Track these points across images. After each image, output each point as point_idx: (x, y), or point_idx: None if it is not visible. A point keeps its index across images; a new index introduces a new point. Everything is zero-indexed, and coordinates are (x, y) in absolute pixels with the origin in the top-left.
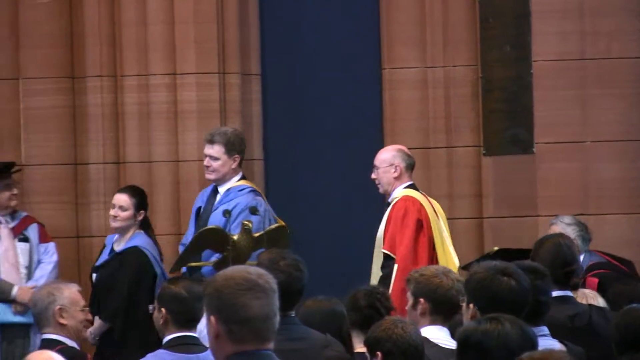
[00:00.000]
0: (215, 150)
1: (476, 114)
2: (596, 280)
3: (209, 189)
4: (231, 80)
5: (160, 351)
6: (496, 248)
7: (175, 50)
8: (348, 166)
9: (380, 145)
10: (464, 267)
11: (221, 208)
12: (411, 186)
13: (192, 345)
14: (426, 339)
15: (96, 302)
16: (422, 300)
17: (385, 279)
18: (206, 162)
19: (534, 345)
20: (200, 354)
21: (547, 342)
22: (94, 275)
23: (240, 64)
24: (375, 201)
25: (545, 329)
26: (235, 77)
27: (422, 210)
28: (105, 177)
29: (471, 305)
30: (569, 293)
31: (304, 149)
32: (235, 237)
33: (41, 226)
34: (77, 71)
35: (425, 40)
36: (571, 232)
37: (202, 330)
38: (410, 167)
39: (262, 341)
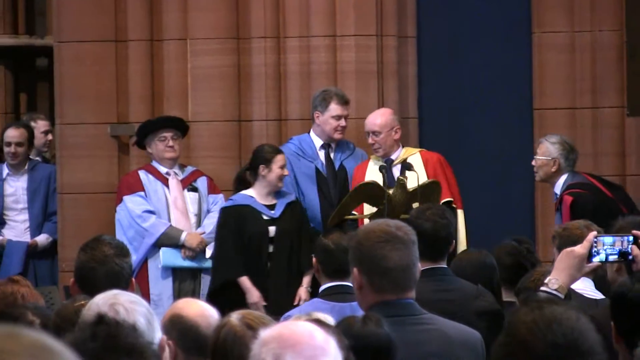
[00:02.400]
0: (348, 110)
1: (620, 76)
2: (571, 198)
3: (297, 146)
4: (388, 43)
5: (315, 299)
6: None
7: (335, 13)
8: (498, 125)
9: (530, 105)
10: None
11: (347, 160)
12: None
13: (346, 294)
14: (572, 290)
15: None
16: None
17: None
18: (342, 122)
19: None
20: (353, 303)
21: None
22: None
23: (397, 27)
24: (524, 158)
25: None
26: (392, 39)
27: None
28: (268, 134)
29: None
30: None
31: (456, 108)
32: (390, 192)
33: (209, 179)
34: (242, 33)
35: (573, 6)
36: (554, 150)
37: None
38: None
39: (403, 290)
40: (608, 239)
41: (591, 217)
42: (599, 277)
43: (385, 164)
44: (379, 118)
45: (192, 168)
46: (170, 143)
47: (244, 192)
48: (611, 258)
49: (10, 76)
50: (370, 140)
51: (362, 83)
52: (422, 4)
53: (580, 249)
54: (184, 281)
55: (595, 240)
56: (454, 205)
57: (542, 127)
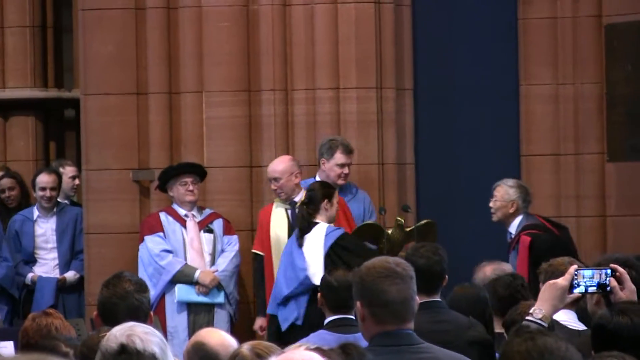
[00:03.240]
0: (351, 159)
1: (601, 125)
2: (529, 238)
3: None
4: (387, 95)
5: (321, 331)
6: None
7: (338, 67)
8: (488, 170)
9: (518, 151)
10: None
11: (350, 202)
12: None
13: (349, 326)
14: (556, 321)
15: None
16: None
17: None
18: (345, 170)
19: None
20: (357, 334)
21: None
22: None
23: (395, 80)
24: None
25: None
26: (390, 91)
27: None
28: None
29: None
30: None
31: (450, 154)
32: (389, 232)
33: (226, 221)
34: (253, 85)
35: (557, 61)
36: (513, 193)
37: None
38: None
39: (402, 322)
40: (588, 272)
41: (548, 255)
42: (581, 309)
43: (290, 205)
44: (280, 165)
45: (209, 210)
46: (191, 187)
47: None
48: (590, 289)
49: (40, 126)
50: (272, 187)
51: (363, 131)
52: (419, 59)
53: (562, 281)
54: (198, 314)
55: (576, 273)
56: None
57: (528, 171)
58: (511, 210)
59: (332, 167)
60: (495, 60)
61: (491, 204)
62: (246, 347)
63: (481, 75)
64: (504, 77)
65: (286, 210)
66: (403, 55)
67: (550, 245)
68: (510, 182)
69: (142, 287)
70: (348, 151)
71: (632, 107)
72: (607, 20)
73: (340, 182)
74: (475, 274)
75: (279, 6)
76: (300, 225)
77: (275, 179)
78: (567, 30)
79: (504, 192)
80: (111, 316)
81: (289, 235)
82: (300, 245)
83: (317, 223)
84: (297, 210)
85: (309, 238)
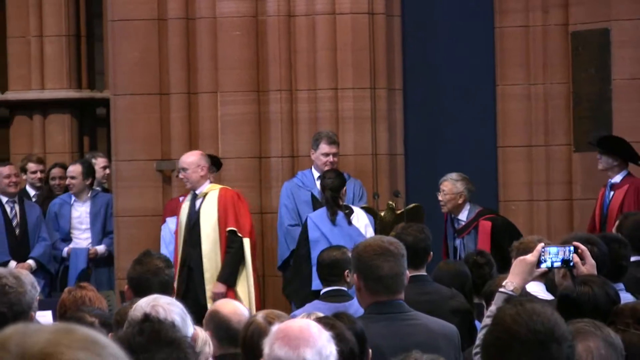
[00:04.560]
0: (336, 149)
1: (568, 120)
2: (489, 223)
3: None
4: (380, 94)
5: (316, 301)
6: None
7: (336, 70)
8: (469, 160)
9: (495, 143)
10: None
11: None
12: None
13: (341, 296)
14: (527, 292)
15: None
16: None
17: (236, 254)
18: (330, 158)
19: (615, 303)
20: (346, 303)
21: (623, 295)
22: None
23: (386, 81)
24: (490, 185)
25: (621, 285)
26: (383, 91)
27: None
28: (283, 168)
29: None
30: None
31: (436, 146)
32: (382, 214)
33: None
34: (262, 86)
35: (529, 64)
36: (460, 186)
37: None
38: (209, 166)
39: (393, 293)
40: (553, 249)
41: (506, 236)
42: (550, 281)
43: (196, 195)
44: (189, 157)
45: None
46: None
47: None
48: (555, 265)
49: (75, 122)
50: (180, 176)
51: (358, 127)
52: (407, 63)
53: (530, 257)
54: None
55: (543, 250)
56: (239, 235)
57: (504, 161)
58: (460, 201)
59: (318, 157)
60: (474, 63)
61: (440, 198)
62: (260, 315)
63: (462, 76)
64: (482, 79)
65: (190, 200)
66: (394, 59)
67: (507, 227)
68: (455, 175)
69: (169, 264)
70: (331, 142)
71: (595, 104)
72: (572, 29)
73: (327, 169)
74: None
75: (284, 17)
76: (332, 208)
77: (184, 169)
78: (538, 37)
79: (452, 185)
80: (144, 290)
81: (188, 219)
82: (334, 222)
83: (347, 205)
84: (323, 196)
85: (356, 217)
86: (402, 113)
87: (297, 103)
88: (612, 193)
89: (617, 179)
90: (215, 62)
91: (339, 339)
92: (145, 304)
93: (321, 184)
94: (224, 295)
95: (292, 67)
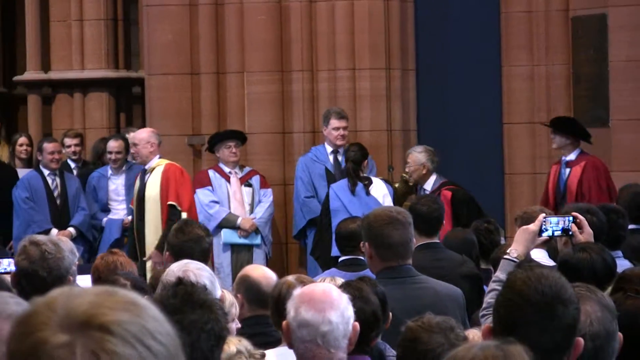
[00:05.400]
0: (345, 122)
1: (568, 98)
2: (450, 193)
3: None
4: (394, 74)
5: (333, 269)
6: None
7: (354, 52)
8: (477, 135)
9: (500, 120)
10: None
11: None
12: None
13: (357, 265)
14: (531, 258)
15: None
16: None
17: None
18: (341, 132)
19: (612, 268)
20: (362, 272)
21: (621, 262)
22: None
23: (400, 62)
24: (496, 158)
25: (620, 253)
26: (397, 72)
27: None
28: (305, 142)
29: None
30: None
31: (446, 123)
32: (396, 185)
33: (262, 177)
34: (285, 67)
35: (532, 46)
36: (422, 157)
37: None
38: (159, 143)
39: (403, 259)
40: (554, 219)
41: (466, 208)
42: (553, 248)
43: (146, 169)
44: (140, 134)
45: (249, 168)
46: (234, 150)
47: None
48: (556, 233)
49: (112, 100)
50: (131, 150)
51: (375, 104)
52: (420, 45)
53: (532, 226)
54: (239, 253)
55: (544, 220)
56: (178, 208)
57: (509, 137)
58: (424, 172)
59: (330, 132)
60: (481, 46)
61: (406, 170)
62: (291, 277)
63: (471, 58)
64: (489, 60)
65: (143, 174)
66: (407, 42)
67: (468, 198)
68: (419, 148)
69: (208, 233)
70: (340, 117)
71: (593, 84)
72: (573, 14)
73: (339, 142)
74: None
75: (306, 3)
76: (352, 179)
77: (134, 145)
78: (541, 21)
79: (415, 157)
80: (185, 257)
81: (138, 193)
82: (354, 192)
83: (367, 177)
84: (344, 167)
85: (374, 187)
86: (414, 92)
87: (317, 82)
88: (568, 170)
89: (572, 156)
90: (242, 44)
91: (364, 301)
92: (177, 269)
93: (345, 156)
94: (161, 264)
95: (313, 49)
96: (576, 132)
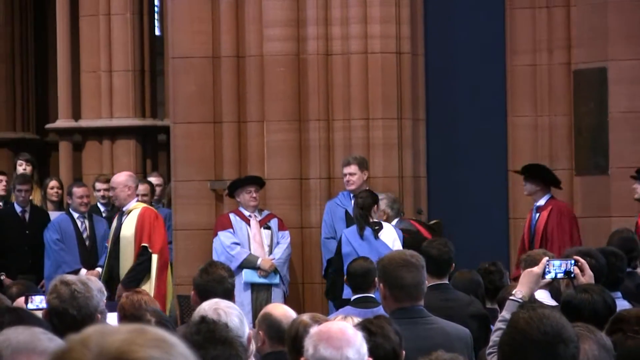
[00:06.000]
0: (353, 169)
1: (570, 147)
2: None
3: (338, 198)
4: (405, 124)
5: (347, 307)
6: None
7: (368, 102)
8: (484, 182)
9: (505, 167)
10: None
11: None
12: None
13: (370, 302)
14: (534, 298)
15: None
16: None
17: (141, 264)
18: (347, 177)
19: (612, 308)
20: (374, 309)
21: (620, 303)
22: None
23: (411, 112)
24: (500, 205)
25: (619, 294)
26: (408, 121)
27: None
28: (321, 188)
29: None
30: (633, 270)
31: (454, 170)
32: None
33: (280, 220)
34: (302, 116)
35: (536, 98)
36: (382, 204)
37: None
38: (137, 187)
39: (415, 300)
40: (557, 262)
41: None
42: (555, 289)
43: (123, 211)
44: (118, 178)
45: (267, 212)
46: (254, 194)
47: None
48: (559, 276)
49: (139, 147)
50: (110, 193)
51: (387, 152)
52: (430, 97)
53: (536, 269)
54: (259, 292)
55: (547, 263)
56: (150, 250)
57: (514, 183)
58: (384, 218)
59: (343, 178)
60: (488, 97)
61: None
62: (306, 316)
63: (478, 108)
64: (495, 110)
65: (120, 215)
66: (418, 93)
67: (417, 244)
68: (381, 196)
69: (232, 273)
70: (346, 163)
71: (594, 134)
72: (575, 67)
73: (348, 187)
74: None
75: (322, 56)
76: (360, 224)
77: (113, 188)
78: (544, 74)
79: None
80: (209, 296)
81: (114, 233)
82: (362, 237)
83: (378, 222)
84: (354, 213)
85: (384, 232)
86: (424, 140)
87: (333, 131)
88: (537, 215)
89: (542, 202)
90: (262, 95)
91: (385, 338)
92: (208, 307)
93: (354, 202)
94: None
95: (329, 100)
96: (545, 178)
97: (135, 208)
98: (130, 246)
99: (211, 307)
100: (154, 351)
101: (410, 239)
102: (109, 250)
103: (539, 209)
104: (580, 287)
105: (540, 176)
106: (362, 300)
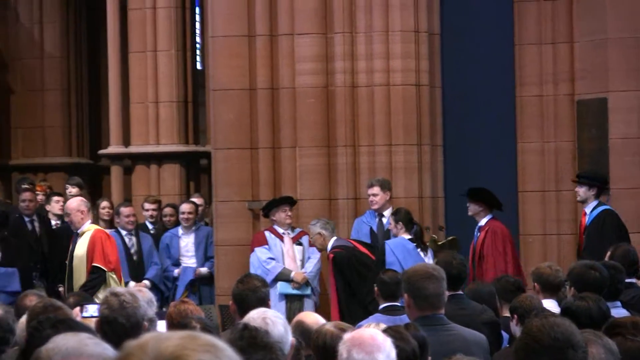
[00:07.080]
0: (376, 190)
1: (574, 171)
2: (332, 255)
3: (365, 216)
4: (424, 149)
5: (377, 315)
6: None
7: (390, 130)
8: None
9: (516, 188)
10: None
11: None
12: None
13: (397, 310)
14: (543, 307)
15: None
16: (536, 284)
17: (92, 281)
18: (370, 198)
19: (606, 315)
20: (402, 316)
21: (620, 311)
22: None
23: (430, 139)
24: (510, 222)
25: (618, 303)
26: (427, 147)
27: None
28: (348, 208)
29: (572, 288)
30: (633, 280)
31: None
32: (427, 244)
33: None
34: (331, 142)
35: (543, 126)
36: (316, 228)
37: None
38: (89, 210)
39: (436, 309)
40: None
41: (346, 267)
42: (561, 298)
43: (78, 233)
44: (71, 204)
45: (299, 229)
46: (289, 213)
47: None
48: None
49: (183, 171)
50: (65, 219)
51: (408, 175)
52: (447, 125)
53: None
54: (292, 303)
55: None
56: (103, 269)
57: (523, 203)
58: (322, 239)
59: (368, 197)
60: (499, 125)
61: (312, 242)
62: (330, 324)
63: (490, 135)
64: (506, 137)
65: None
66: (435, 121)
67: (346, 260)
68: (313, 221)
69: (265, 284)
70: (369, 185)
71: (595, 158)
72: (578, 97)
73: (372, 207)
74: None
75: (349, 87)
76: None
77: (67, 214)
78: (550, 104)
79: (311, 230)
80: (245, 304)
81: (70, 255)
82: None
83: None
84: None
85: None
86: (442, 164)
87: (359, 156)
88: (478, 234)
89: (483, 222)
90: (295, 123)
91: (403, 340)
92: (256, 315)
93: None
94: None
95: (355, 127)
96: (487, 201)
97: (88, 230)
98: (82, 265)
99: (260, 315)
100: (204, 355)
101: (344, 252)
102: (67, 269)
103: (480, 229)
104: (578, 295)
105: (482, 198)
106: (391, 308)
